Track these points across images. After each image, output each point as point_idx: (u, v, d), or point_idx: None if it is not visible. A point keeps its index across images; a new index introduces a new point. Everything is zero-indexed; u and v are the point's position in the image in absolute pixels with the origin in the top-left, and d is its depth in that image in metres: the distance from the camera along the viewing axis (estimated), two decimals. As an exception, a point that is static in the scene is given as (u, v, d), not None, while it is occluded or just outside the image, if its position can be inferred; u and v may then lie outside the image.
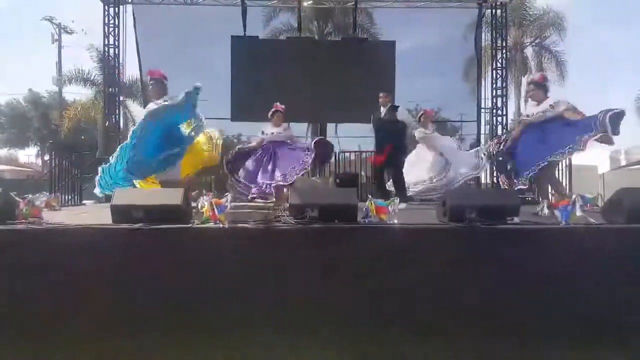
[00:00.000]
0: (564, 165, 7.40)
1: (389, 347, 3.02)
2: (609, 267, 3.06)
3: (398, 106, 6.41)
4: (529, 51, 19.75)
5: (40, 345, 2.94)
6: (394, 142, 6.14)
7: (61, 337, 2.95)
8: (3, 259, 2.99)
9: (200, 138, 5.47)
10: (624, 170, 11.57)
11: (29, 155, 29.87)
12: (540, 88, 4.66)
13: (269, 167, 5.68)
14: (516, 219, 3.27)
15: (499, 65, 10.14)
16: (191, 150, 5.17)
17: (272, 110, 6.04)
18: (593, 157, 11.56)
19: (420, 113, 6.64)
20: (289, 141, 5.93)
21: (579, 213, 3.32)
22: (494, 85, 10.11)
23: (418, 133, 6.57)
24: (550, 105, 4.50)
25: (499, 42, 10.14)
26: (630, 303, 3.04)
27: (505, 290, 3.06)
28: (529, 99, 4.78)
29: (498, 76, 10.14)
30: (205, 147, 5.55)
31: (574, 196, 3.34)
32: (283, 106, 6.10)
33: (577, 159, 8.65)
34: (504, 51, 10.24)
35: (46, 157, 23.81)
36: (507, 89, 10.56)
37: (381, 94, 6.45)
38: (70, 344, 2.95)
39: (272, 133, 5.92)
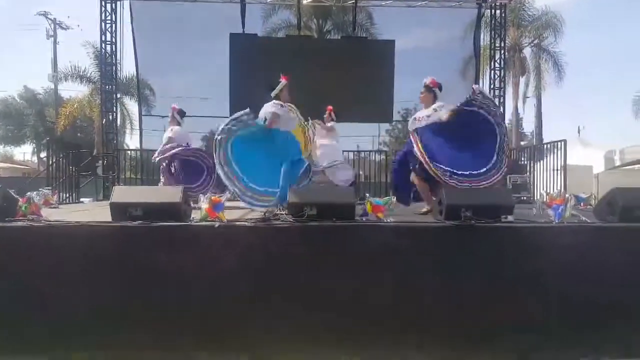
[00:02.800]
0: (559, 165, 7.47)
1: (384, 343, 3.06)
2: (601, 264, 3.11)
3: None
4: (527, 52, 19.84)
5: (38, 338, 2.99)
6: None
7: (60, 329, 2.99)
8: (3, 255, 3.02)
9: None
10: (619, 170, 11.62)
11: (24, 152, 29.79)
12: (429, 92, 4.55)
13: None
14: (510, 218, 3.31)
15: (496, 65, 10.18)
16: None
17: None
18: (588, 157, 11.65)
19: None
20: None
21: (571, 212, 3.37)
22: (492, 86, 10.14)
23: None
24: (434, 109, 4.40)
25: (498, 42, 10.18)
26: (621, 300, 3.09)
27: (500, 287, 3.11)
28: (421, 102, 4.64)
29: (496, 76, 10.18)
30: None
31: (567, 195, 3.39)
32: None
33: (573, 159, 8.72)
34: (502, 52, 10.28)
35: (42, 155, 23.78)
36: (505, 90, 10.60)
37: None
38: (68, 337, 2.99)
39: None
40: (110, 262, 3.05)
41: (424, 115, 4.44)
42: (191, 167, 5.77)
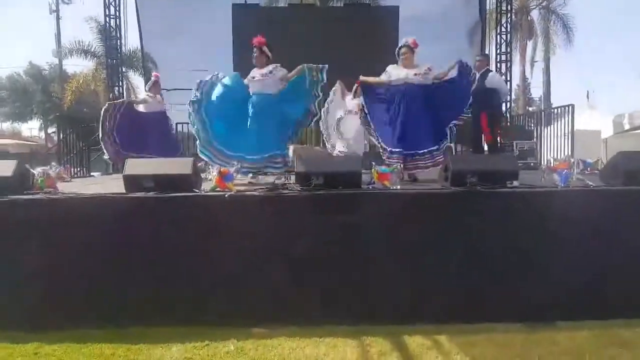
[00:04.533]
0: (566, 130, 7.44)
1: (391, 311, 3.14)
2: (606, 227, 3.16)
3: (489, 71, 6.45)
4: (534, 14, 19.36)
5: (56, 308, 3.11)
6: (486, 110, 6.25)
7: (77, 298, 3.12)
8: (23, 226, 3.13)
9: None
10: (628, 134, 11.50)
11: (31, 128, 29.90)
12: (412, 53, 4.58)
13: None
14: (516, 183, 3.35)
15: (503, 29, 9.98)
16: None
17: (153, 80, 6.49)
18: (596, 121, 11.52)
19: (356, 86, 6.44)
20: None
21: (577, 176, 3.41)
22: (498, 51, 9.97)
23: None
24: (429, 68, 4.52)
25: (504, 5, 9.95)
26: (626, 261, 3.16)
27: (507, 250, 3.18)
28: (400, 63, 4.63)
29: (502, 41, 9.99)
30: None
31: (572, 160, 3.42)
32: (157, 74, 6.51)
33: (581, 124, 8.64)
34: (509, 15, 10.05)
35: (50, 130, 23.87)
36: (512, 54, 10.43)
37: (478, 58, 6.55)
38: (86, 304, 3.12)
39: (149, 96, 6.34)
40: (125, 231, 3.14)
41: (420, 73, 4.49)
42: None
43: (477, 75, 6.33)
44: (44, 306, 3.09)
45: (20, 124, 29.16)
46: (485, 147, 6.50)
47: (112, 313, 3.10)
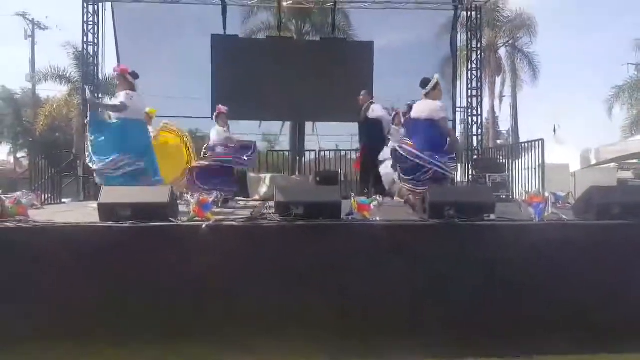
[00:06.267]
0: (537, 163, 7.66)
1: (367, 340, 3.11)
2: (580, 260, 3.23)
3: (372, 103, 6.58)
4: (502, 52, 20.28)
5: (29, 341, 2.95)
6: (365, 142, 6.52)
7: (50, 331, 2.97)
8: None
9: (169, 138, 5.76)
10: (594, 168, 11.95)
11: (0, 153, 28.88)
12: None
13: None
14: (492, 216, 3.41)
15: (473, 66, 10.40)
16: (166, 155, 5.30)
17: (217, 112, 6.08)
18: (564, 155, 11.94)
19: (394, 114, 6.48)
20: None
21: (552, 210, 3.49)
22: (469, 86, 10.36)
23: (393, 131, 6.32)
24: (441, 107, 4.65)
25: (474, 43, 10.40)
26: (600, 294, 3.22)
27: (482, 283, 3.20)
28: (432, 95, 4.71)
29: (473, 77, 10.40)
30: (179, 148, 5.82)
31: (546, 194, 3.51)
32: (226, 108, 6.09)
33: (548, 157, 8.96)
34: (479, 52, 10.50)
35: (19, 155, 23.16)
36: (482, 89, 10.83)
37: (362, 94, 6.73)
38: (60, 339, 2.96)
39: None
40: (100, 262, 3.05)
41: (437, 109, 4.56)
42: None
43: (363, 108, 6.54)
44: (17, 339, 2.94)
45: (-12, 148, 28.09)
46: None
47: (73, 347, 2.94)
